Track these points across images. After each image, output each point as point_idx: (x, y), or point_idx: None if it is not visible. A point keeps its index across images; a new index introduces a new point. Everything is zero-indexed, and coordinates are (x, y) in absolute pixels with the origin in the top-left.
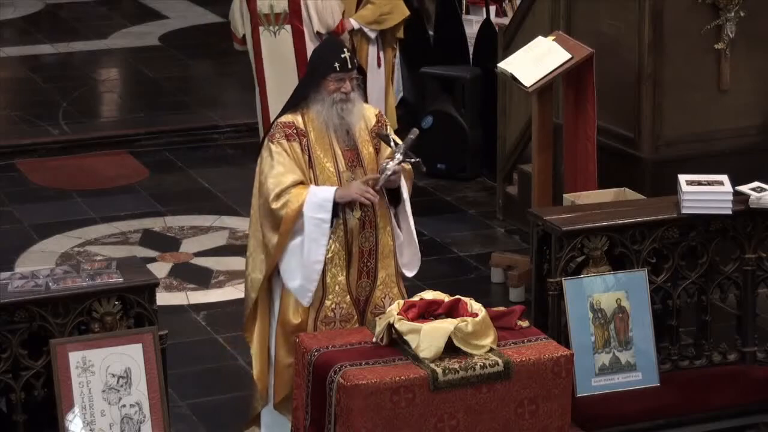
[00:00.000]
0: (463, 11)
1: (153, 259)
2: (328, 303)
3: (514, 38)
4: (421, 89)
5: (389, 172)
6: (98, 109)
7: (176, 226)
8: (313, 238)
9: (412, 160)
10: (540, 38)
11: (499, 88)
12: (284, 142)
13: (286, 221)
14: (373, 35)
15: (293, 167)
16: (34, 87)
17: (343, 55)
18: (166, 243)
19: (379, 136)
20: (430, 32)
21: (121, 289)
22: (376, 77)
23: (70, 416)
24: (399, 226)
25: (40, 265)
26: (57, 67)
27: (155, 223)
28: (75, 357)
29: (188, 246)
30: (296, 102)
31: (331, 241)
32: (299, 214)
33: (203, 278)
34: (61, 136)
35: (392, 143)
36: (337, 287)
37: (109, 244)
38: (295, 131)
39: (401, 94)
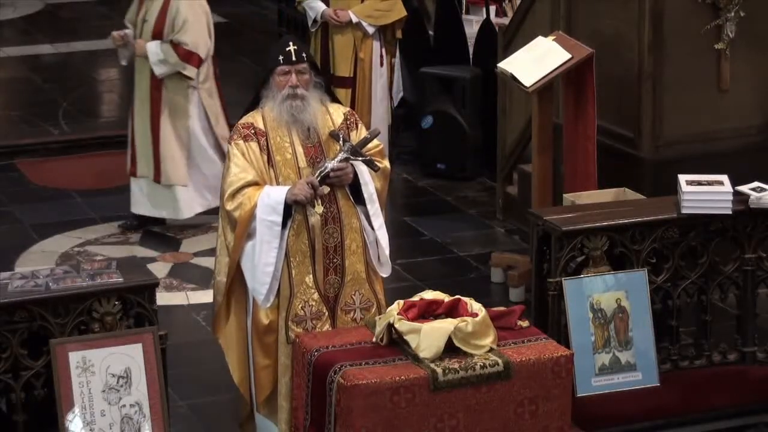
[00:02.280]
0: (463, 11)
1: (153, 259)
2: (296, 302)
3: (514, 38)
4: (421, 89)
5: (326, 170)
6: (98, 109)
7: (176, 226)
8: (264, 240)
9: (359, 158)
10: (540, 38)
11: (499, 88)
12: (241, 143)
13: (240, 223)
14: (371, 30)
15: (248, 167)
16: (34, 87)
17: (287, 48)
18: (166, 243)
19: (330, 135)
20: (430, 32)
21: (121, 289)
22: (379, 76)
23: (70, 416)
24: (371, 225)
25: (40, 265)
26: (57, 67)
27: (155, 223)
28: (75, 357)
29: (188, 246)
30: (255, 101)
31: (291, 238)
32: (253, 215)
33: (203, 278)
34: (61, 136)
35: (341, 141)
36: (303, 285)
37: (109, 244)
38: (253, 131)
39: (401, 94)
